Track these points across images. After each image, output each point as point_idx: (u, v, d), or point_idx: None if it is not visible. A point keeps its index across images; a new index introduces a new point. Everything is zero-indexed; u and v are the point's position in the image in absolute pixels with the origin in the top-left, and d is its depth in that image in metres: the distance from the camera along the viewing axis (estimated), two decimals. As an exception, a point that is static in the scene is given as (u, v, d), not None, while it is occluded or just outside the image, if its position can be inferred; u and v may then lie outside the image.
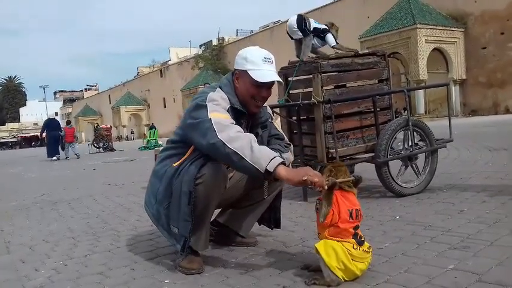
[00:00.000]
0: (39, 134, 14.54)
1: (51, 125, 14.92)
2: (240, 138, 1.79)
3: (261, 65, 1.98)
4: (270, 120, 2.22)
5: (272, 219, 2.33)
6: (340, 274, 1.65)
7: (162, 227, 2.08)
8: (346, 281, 1.66)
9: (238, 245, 2.32)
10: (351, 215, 1.67)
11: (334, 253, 1.64)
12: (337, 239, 1.66)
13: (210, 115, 1.86)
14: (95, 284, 1.95)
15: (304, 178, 1.69)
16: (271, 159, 1.74)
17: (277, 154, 1.83)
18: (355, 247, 1.66)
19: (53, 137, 14.69)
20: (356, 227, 1.69)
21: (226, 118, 1.89)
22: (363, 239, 1.70)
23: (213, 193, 1.93)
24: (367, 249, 1.70)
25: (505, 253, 1.82)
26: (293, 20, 3.47)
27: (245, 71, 1.99)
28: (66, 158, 14.80)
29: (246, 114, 2.05)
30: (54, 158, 14.44)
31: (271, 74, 2.00)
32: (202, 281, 1.86)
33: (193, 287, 1.80)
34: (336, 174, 1.72)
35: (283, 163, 1.77)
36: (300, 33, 3.46)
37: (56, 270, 2.21)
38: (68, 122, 16.37)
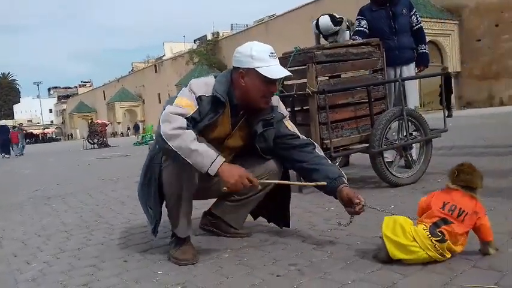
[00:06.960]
0: None
1: (1, 130, 18.32)
2: (179, 136, 1.73)
3: (269, 60, 1.89)
4: (283, 120, 2.09)
5: (281, 217, 2.31)
6: (388, 244, 1.64)
7: (143, 205, 2.12)
8: (389, 257, 1.65)
9: (232, 236, 2.30)
10: (443, 206, 1.68)
11: (393, 223, 1.68)
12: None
13: (175, 100, 1.87)
14: (88, 276, 1.93)
15: (240, 179, 1.72)
16: (213, 162, 1.72)
17: (218, 154, 1.75)
18: (425, 229, 1.64)
19: (3, 140, 18.04)
20: (443, 220, 1.64)
21: (185, 107, 1.83)
22: (439, 237, 1.60)
23: (179, 180, 1.89)
24: (437, 246, 1.60)
25: (499, 240, 1.82)
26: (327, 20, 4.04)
27: (253, 69, 1.88)
28: (16, 155, 18.24)
29: (225, 105, 1.92)
30: (8, 156, 17.87)
31: (282, 69, 1.93)
32: (196, 271, 1.85)
33: (187, 277, 1.78)
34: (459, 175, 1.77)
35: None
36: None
37: (47, 263, 2.19)
38: (14, 127, 20.23)
